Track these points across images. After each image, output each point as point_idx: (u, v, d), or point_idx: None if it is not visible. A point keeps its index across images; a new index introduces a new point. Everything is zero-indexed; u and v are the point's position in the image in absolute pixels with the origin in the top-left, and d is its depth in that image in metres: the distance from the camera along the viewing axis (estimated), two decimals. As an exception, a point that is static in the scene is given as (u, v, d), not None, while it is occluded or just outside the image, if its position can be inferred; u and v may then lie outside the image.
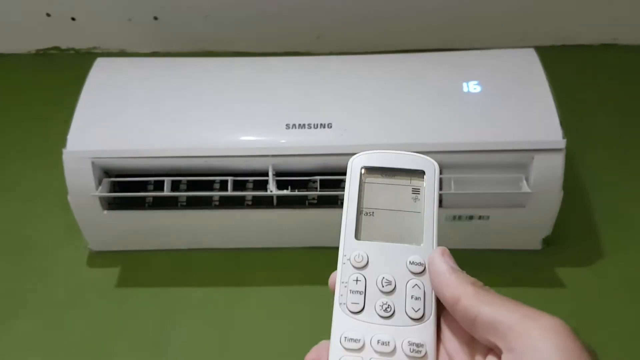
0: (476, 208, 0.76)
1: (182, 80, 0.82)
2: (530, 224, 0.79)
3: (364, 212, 0.34)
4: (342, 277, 0.32)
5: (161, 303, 0.79)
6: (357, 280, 0.32)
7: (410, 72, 0.82)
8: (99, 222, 0.79)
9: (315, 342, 0.74)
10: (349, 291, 0.31)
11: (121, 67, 0.85)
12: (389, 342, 0.30)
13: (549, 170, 0.73)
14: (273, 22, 1.11)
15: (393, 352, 0.30)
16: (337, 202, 0.79)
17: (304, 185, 0.77)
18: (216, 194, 0.78)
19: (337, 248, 0.32)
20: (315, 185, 0.76)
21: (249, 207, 0.79)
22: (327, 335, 0.75)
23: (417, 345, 0.30)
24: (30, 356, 0.75)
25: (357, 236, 0.33)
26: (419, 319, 0.31)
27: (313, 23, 1.12)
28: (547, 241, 0.82)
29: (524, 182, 0.73)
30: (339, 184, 0.78)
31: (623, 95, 1.04)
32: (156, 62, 0.87)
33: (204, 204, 0.79)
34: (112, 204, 0.78)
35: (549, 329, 0.27)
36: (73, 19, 1.11)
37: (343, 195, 0.76)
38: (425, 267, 0.32)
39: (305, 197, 0.78)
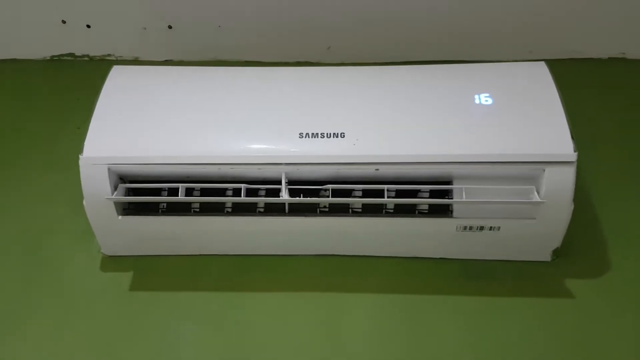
0: (487, 219, 0.77)
1: (198, 89, 0.83)
2: (541, 236, 0.79)
3: None
4: None
5: (173, 308, 0.80)
6: None
7: (422, 84, 0.83)
8: (113, 227, 0.80)
9: (326, 348, 0.74)
10: None
11: (137, 75, 0.86)
12: None
13: (560, 183, 0.74)
14: (284, 33, 1.13)
15: None
16: (348, 211, 0.80)
17: (315, 193, 0.78)
18: (229, 199, 0.79)
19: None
20: (327, 193, 0.77)
21: (261, 214, 0.80)
22: (339, 341, 0.75)
23: None
24: (42, 359, 0.75)
25: None
26: None
27: (323, 34, 1.13)
28: (556, 253, 0.82)
29: (535, 193, 0.74)
30: (351, 193, 0.78)
31: (630, 109, 1.05)
32: (172, 71, 0.88)
33: (217, 210, 0.80)
34: (126, 210, 0.79)
35: None
36: (88, 26, 1.13)
37: (354, 203, 0.78)
38: None
39: (317, 204, 0.79)
